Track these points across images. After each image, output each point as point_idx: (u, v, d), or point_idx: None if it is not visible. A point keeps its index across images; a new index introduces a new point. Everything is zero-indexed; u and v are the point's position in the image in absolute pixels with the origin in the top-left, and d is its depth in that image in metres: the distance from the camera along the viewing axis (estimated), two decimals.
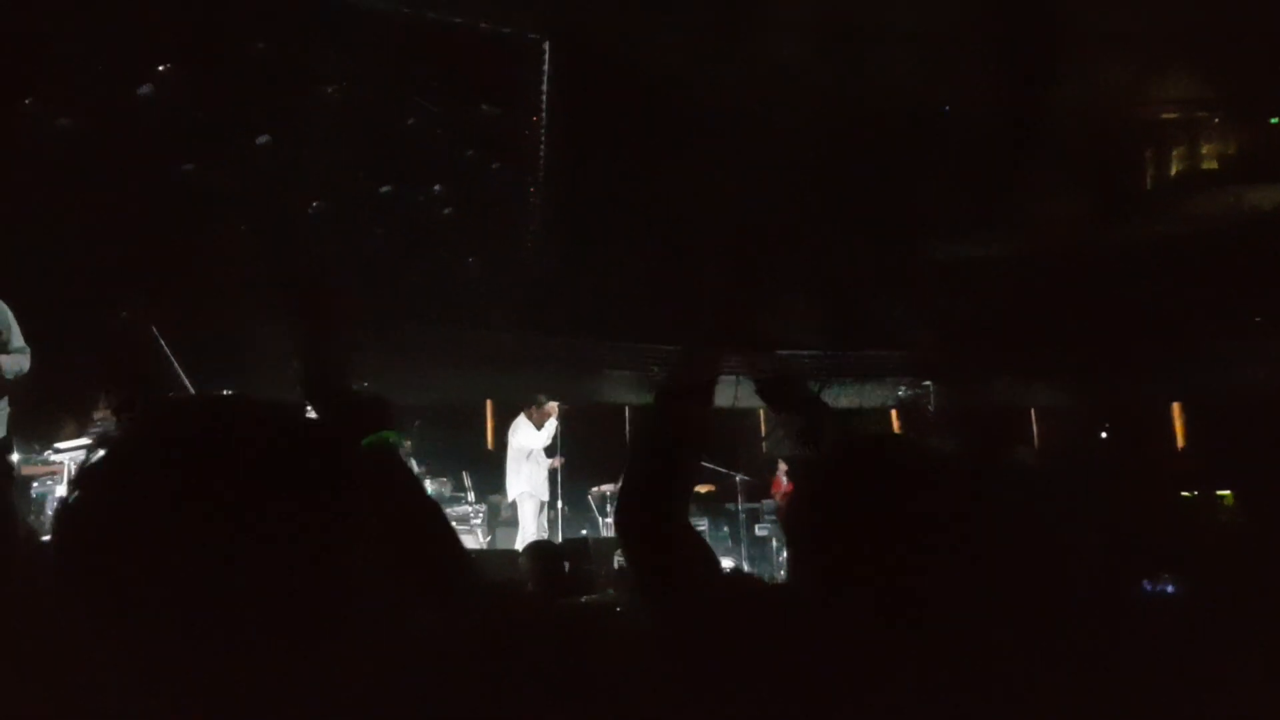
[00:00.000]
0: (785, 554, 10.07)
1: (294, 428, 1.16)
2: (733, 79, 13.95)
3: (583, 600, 5.81)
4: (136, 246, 9.93)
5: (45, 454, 6.88)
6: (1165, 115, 16.51)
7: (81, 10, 10.35)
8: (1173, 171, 16.70)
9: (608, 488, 11.47)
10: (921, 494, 1.27)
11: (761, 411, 16.78)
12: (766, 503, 12.23)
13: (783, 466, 12.95)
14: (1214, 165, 16.22)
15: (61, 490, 6.25)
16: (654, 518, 1.68)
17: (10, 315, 5.84)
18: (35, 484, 6.25)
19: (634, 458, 1.82)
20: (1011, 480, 1.29)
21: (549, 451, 10.66)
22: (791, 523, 1.43)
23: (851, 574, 1.26)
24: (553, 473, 10.72)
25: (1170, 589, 1.59)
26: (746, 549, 11.16)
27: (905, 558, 1.22)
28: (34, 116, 10.54)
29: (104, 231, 9.66)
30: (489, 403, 15.54)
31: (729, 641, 1.35)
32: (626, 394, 15.56)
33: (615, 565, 8.11)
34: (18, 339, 5.81)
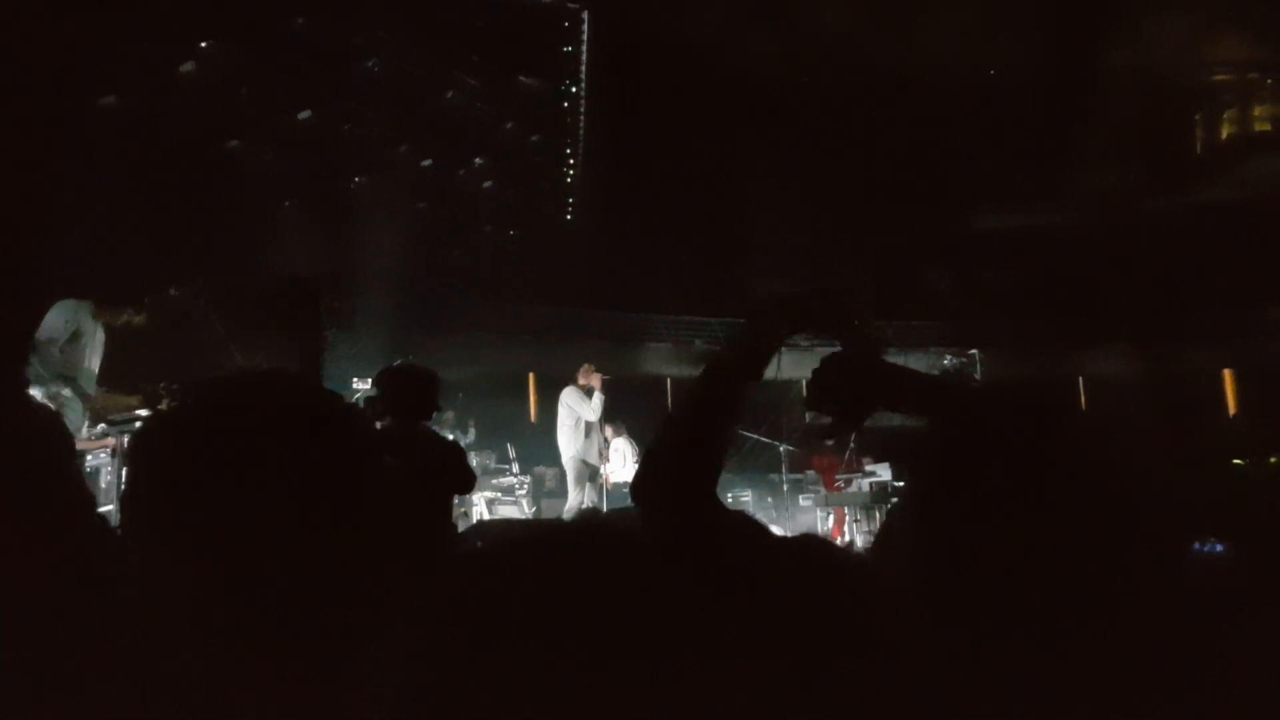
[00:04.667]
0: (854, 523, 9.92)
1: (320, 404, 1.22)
2: (773, 47, 13.80)
3: None
4: (182, 223, 10.02)
5: (98, 427, 6.98)
6: (1217, 77, 16.15)
7: None
8: (1224, 135, 16.35)
9: None
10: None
11: (806, 383, 16.71)
12: (809, 474, 12.14)
13: (828, 441, 12.80)
14: (1267, 128, 15.86)
15: (111, 463, 6.37)
16: (671, 488, 1.62)
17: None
18: (89, 457, 6.34)
19: (662, 427, 1.72)
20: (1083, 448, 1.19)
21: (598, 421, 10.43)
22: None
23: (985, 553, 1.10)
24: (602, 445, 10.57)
25: (1219, 548, 1.54)
26: (791, 520, 11.10)
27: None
28: (78, 95, 10.63)
29: (150, 209, 9.74)
30: (531, 375, 15.57)
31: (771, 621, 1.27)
32: (667, 366, 15.55)
33: None
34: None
